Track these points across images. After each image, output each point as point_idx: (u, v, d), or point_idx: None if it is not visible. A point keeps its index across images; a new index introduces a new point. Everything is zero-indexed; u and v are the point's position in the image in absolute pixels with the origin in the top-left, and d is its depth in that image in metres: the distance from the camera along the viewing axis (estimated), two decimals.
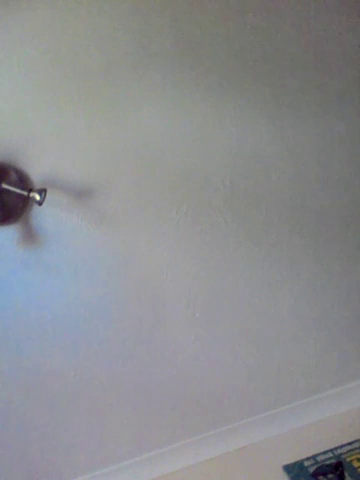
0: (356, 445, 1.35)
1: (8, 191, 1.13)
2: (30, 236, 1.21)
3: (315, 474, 1.28)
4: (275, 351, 1.44)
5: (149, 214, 1.28)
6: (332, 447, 1.35)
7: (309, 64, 1.34)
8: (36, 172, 1.19)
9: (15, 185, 1.14)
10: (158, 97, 1.24)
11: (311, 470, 1.29)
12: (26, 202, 1.18)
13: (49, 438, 1.32)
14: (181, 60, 1.24)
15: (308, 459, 1.33)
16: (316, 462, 1.32)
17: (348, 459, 1.31)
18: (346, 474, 1.26)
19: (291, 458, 1.34)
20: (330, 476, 1.26)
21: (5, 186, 1.13)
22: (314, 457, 1.34)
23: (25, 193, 1.12)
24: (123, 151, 1.24)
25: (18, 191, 1.13)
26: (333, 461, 1.31)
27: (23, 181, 1.17)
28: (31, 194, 1.12)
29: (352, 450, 1.34)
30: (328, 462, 1.31)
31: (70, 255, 1.24)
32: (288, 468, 1.31)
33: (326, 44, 1.34)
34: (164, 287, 1.32)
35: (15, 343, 1.25)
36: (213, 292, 1.36)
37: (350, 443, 1.36)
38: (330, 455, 1.33)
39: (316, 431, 1.44)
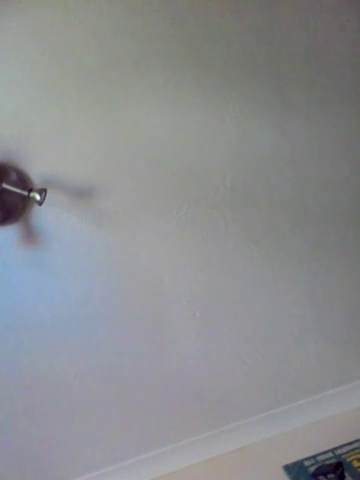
0: (356, 445, 1.35)
1: (8, 191, 1.13)
2: (30, 236, 1.21)
3: (315, 474, 1.28)
4: (275, 351, 1.44)
5: (149, 214, 1.28)
6: (332, 447, 1.35)
7: (309, 64, 1.34)
8: (36, 172, 1.19)
9: (15, 185, 1.14)
10: (158, 97, 1.24)
11: (311, 470, 1.29)
12: (26, 202, 1.18)
13: (49, 438, 1.32)
14: (181, 60, 1.24)
15: (308, 459, 1.33)
16: (316, 462, 1.32)
17: (348, 459, 1.31)
18: (346, 474, 1.26)
19: (291, 458, 1.34)
20: (330, 476, 1.26)
21: (5, 186, 1.13)
22: (314, 457, 1.33)
23: (25, 193, 1.12)
24: (123, 151, 1.24)
25: (18, 191, 1.13)
26: (333, 461, 1.31)
27: (23, 181, 1.17)
28: (31, 194, 1.12)
29: (352, 450, 1.34)
30: (328, 462, 1.31)
31: (70, 255, 1.24)
32: (288, 468, 1.31)
33: (326, 44, 1.34)
34: (164, 287, 1.32)
35: (15, 343, 1.25)
36: (213, 292, 1.36)
37: (350, 443, 1.36)
38: (330, 455, 1.33)
39: (316, 431, 1.44)
